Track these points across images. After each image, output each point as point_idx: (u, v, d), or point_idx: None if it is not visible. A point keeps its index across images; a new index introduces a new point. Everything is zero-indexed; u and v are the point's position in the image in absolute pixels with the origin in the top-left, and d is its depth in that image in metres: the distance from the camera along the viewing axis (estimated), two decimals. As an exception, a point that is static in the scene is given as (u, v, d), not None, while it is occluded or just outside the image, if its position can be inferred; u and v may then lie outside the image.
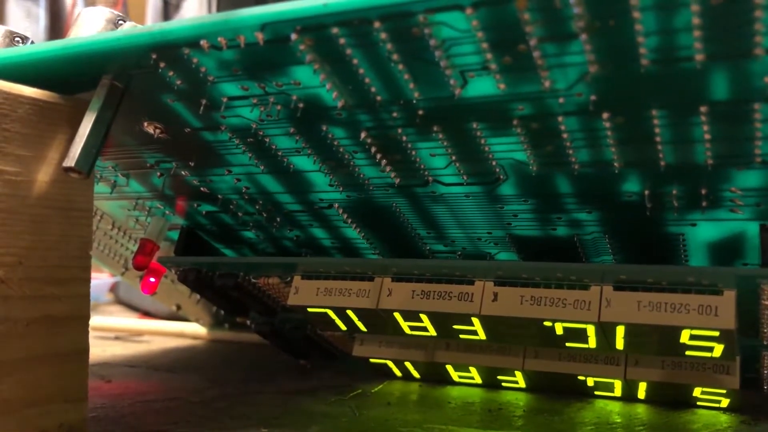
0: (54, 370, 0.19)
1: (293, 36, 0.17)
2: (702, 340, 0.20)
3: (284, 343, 0.30)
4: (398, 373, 0.28)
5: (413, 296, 0.23)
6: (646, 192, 0.20)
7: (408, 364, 0.27)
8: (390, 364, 0.28)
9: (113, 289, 0.59)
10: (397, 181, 0.22)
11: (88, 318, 0.20)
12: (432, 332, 0.24)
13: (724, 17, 0.14)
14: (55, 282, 0.19)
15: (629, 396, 0.25)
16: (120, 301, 0.58)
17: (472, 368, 0.26)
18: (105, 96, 0.19)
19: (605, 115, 0.17)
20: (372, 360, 0.28)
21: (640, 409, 0.24)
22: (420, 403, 0.25)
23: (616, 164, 0.19)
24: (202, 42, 0.17)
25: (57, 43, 0.19)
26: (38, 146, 0.19)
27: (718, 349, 0.21)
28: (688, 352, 0.21)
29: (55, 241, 0.19)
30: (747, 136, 0.17)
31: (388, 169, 0.21)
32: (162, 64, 0.18)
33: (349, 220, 0.25)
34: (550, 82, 0.17)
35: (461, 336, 0.24)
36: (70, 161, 0.18)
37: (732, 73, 0.15)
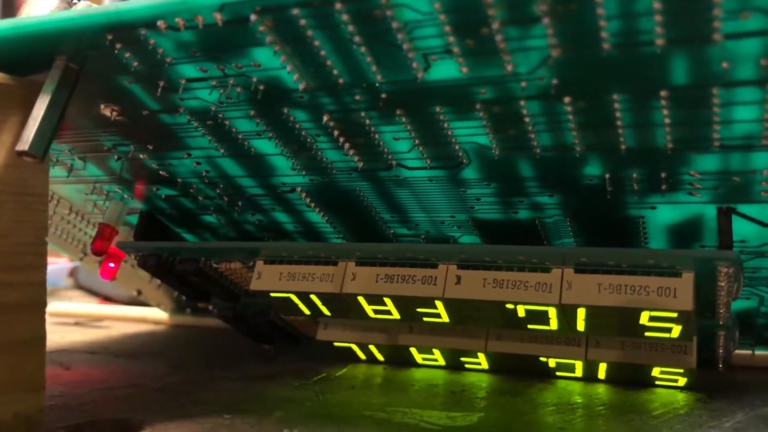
0: (9, 359, 0.18)
1: (253, 17, 0.16)
2: (661, 321, 0.21)
3: (247, 328, 0.30)
4: (362, 356, 0.29)
5: (377, 280, 0.23)
6: (607, 175, 0.20)
7: (372, 348, 0.28)
8: (354, 347, 0.28)
9: (72, 273, 0.58)
10: (361, 164, 0.22)
11: (44, 305, 0.19)
12: (396, 315, 0.24)
13: (684, 2, 0.14)
14: (8, 269, 0.18)
15: (590, 376, 0.25)
16: (79, 286, 0.57)
17: (435, 350, 0.27)
18: (59, 78, 0.19)
19: (567, 99, 0.17)
20: (336, 344, 0.28)
21: (601, 389, 0.24)
22: (384, 386, 0.25)
23: (577, 148, 0.19)
24: (159, 23, 0.17)
25: (8, 23, 0.18)
26: (-11, 129, 0.18)
27: (677, 330, 0.21)
28: (647, 333, 0.22)
29: (8, 227, 0.18)
30: (706, 120, 0.17)
31: (351, 152, 0.21)
32: (118, 45, 0.18)
33: (313, 204, 0.25)
34: (512, 66, 0.17)
35: (425, 319, 0.24)
36: (24, 145, 0.18)
37: (691, 58, 0.15)
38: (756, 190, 0.19)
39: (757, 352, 0.27)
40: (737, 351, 0.26)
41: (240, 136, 0.22)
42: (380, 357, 0.28)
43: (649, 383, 0.24)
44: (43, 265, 0.19)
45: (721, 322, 0.22)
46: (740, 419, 0.21)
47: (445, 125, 0.19)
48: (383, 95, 0.18)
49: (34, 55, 0.19)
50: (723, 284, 0.20)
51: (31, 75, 0.19)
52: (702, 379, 0.24)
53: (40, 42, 0.18)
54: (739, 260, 0.19)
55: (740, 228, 0.21)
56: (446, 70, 0.17)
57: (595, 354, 0.24)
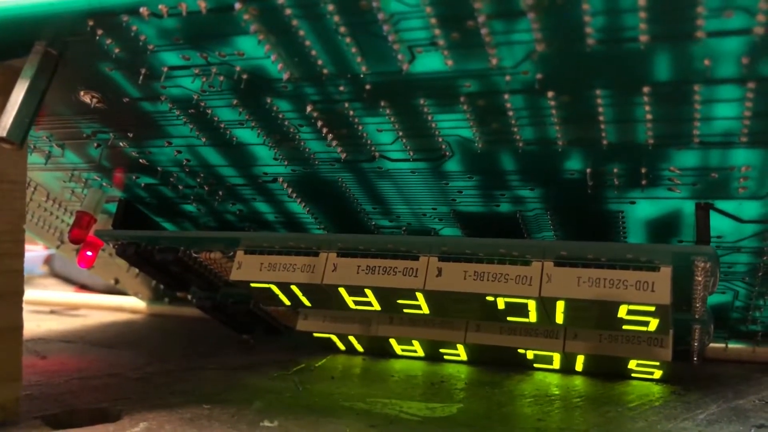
0: (-15, 348, 0.18)
1: (237, 5, 0.16)
2: (638, 314, 0.21)
3: (227, 318, 0.30)
4: (342, 347, 0.29)
5: (358, 271, 0.23)
6: (588, 170, 0.20)
7: (352, 338, 0.28)
8: (334, 338, 0.28)
9: (48, 261, 0.57)
10: (344, 156, 0.22)
11: (21, 294, 0.19)
12: (376, 307, 0.24)
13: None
14: (-15, 257, 0.18)
15: (567, 368, 0.26)
16: (56, 274, 0.56)
17: (415, 342, 0.27)
18: (38, 63, 0.18)
19: (550, 94, 0.18)
20: (316, 334, 0.28)
21: (578, 381, 0.25)
22: (363, 377, 0.25)
23: (559, 142, 0.19)
24: (142, 9, 0.17)
25: (-14, 6, 0.18)
26: (-34, 114, 0.18)
27: (654, 324, 0.21)
28: (624, 327, 0.22)
29: (-15, 214, 0.18)
30: (687, 116, 0.17)
31: (334, 143, 0.21)
32: (99, 31, 0.18)
33: (294, 195, 0.25)
34: (497, 60, 0.17)
35: (405, 310, 0.24)
36: (2, 131, 0.18)
37: (674, 55, 0.16)
38: (733, 187, 0.20)
39: (731, 346, 0.28)
40: (711, 344, 0.27)
41: (222, 125, 0.21)
42: (360, 348, 0.28)
43: (626, 375, 0.25)
44: (21, 253, 0.19)
45: (697, 316, 0.22)
46: (713, 411, 0.21)
47: (429, 117, 0.19)
48: (367, 86, 0.18)
49: (13, 39, 0.18)
50: (700, 279, 0.20)
51: (9, 60, 0.19)
52: (677, 372, 0.24)
53: (19, 26, 0.18)
54: (715, 255, 0.19)
55: (717, 223, 0.21)
56: (431, 62, 0.17)
57: (572, 346, 0.24)
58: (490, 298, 0.22)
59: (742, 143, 0.18)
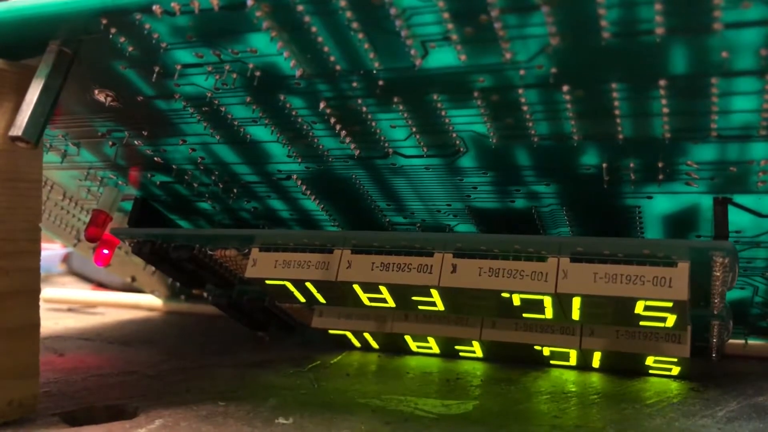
0: (3, 346, 0.18)
1: (250, 2, 0.16)
2: (656, 310, 0.21)
3: (242, 315, 0.30)
4: (357, 344, 0.29)
5: (373, 268, 0.23)
6: (604, 165, 0.20)
7: (367, 335, 0.28)
8: (349, 335, 0.28)
9: (66, 259, 0.58)
10: (357, 152, 0.22)
11: (38, 292, 0.19)
12: (391, 304, 0.24)
13: (684, -9, 0.14)
14: (2, 255, 0.18)
15: (584, 365, 0.25)
16: (73, 272, 0.56)
17: (430, 338, 0.27)
18: (53, 62, 0.18)
19: (565, 88, 0.17)
20: (331, 331, 0.28)
21: (595, 378, 0.24)
22: (379, 374, 0.25)
23: (575, 137, 0.19)
24: (155, 7, 0.17)
25: (1, 6, 0.18)
26: (-18, 114, 0.18)
27: (671, 320, 0.21)
28: (641, 323, 0.22)
29: (1, 213, 0.18)
30: (704, 110, 0.17)
31: (347, 140, 0.21)
32: (113, 30, 0.18)
33: (308, 192, 0.25)
34: (511, 54, 0.17)
35: (420, 307, 0.24)
36: (17, 130, 0.18)
37: (691, 48, 0.15)
38: (752, 181, 0.19)
39: (750, 342, 0.28)
40: (730, 340, 0.26)
41: (236, 123, 0.21)
42: (375, 345, 0.28)
43: (643, 372, 0.25)
44: (37, 252, 0.19)
45: (715, 312, 0.22)
46: (733, 408, 0.21)
47: (443, 113, 0.19)
48: (380, 82, 0.18)
49: (28, 39, 0.19)
50: (718, 274, 0.20)
51: (24, 59, 0.19)
52: (695, 369, 0.24)
53: (34, 26, 0.18)
54: (734, 250, 0.19)
55: (736, 218, 0.21)
56: (444, 57, 0.17)
57: (589, 343, 0.24)
58: (505, 295, 0.22)
59: (761, 137, 0.18)
